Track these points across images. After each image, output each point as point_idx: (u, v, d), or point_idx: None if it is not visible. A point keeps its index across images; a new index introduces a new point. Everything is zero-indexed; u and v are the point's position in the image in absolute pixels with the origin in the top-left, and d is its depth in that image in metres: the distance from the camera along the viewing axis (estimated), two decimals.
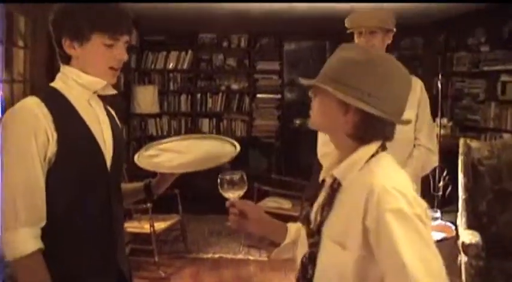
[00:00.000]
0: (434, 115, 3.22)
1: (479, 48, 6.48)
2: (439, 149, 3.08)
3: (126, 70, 6.89)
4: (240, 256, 5.43)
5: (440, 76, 5.44)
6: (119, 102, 6.38)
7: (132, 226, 4.95)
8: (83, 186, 1.82)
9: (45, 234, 1.75)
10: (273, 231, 1.84)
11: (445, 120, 6.57)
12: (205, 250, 5.58)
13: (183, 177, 2.05)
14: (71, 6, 1.82)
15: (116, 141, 1.93)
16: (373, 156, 1.49)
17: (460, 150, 3.93)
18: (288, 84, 8.43)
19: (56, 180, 1.76)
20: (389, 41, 2.92)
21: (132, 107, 7.17)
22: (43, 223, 1.75)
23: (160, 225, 5.05)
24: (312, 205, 1.64)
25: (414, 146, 2.98)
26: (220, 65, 8.22)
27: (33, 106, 1.74)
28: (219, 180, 1.78)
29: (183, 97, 8.13)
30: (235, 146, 2.14)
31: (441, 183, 4.95)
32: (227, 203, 1.78)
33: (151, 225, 4.84)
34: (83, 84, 1.85)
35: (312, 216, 1.60)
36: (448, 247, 4.15)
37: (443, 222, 3.44)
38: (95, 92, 1.90)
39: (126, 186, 2.13)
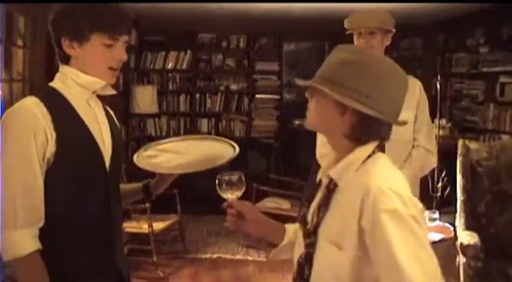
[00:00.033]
0: (433, 116, 3.23)
1: (478, 49, 6.49)
2: (438, 150, 3.09)
3: (125, 70, 6.88)
4: (238, 256, 5.43)
5: (439, 77, 5.44)
6: (117, 102, 6.38)
7: (130, 226, 4.95)
8: (81, 186, 1.82)
9: (44, 234, 1.75)
10: (271, 232, 1.84)
11: (443, 121, 6.58)
12: (203, 250, 5.58)
13: (181, 177, 2.05)
14: (70, 6, 1.81)
15: (114, 141, 1.93)
16: (369, 156, 1.50)
17: (459, 151, 3.94)
18: (287, 84, 8.44)
19: (54, 180, 1.76)
20: (388, 42, 2.92)
21: (131, 106, 7.17)
22: (41, 223, 1.75)
23: (158, 225, 5.04)
24: (309, 206, 1.64)
25: (413, 146, 2.98)
26: (219, 65, 8.22)
27: (32, 106, 1.74)
28: (217, 181, 1.78)
29: (182, 97, 8.13)
30: (234, 147, 2.14)
31: (440, 184, 4.95)
32: (224, 204, 1.78)
33: (150, 225, 4.83)
34: (82, 84, 1.84)
35: (309, 216, 1.60)
36: (446, 248, 4.15)
37: (441, 223, 3.44)
38: (94, 92, 1.90)
39: (124, 186, 2.13)
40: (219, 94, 8.18)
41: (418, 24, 7.17)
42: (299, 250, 1.61)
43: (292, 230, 1.79)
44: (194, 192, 5.74)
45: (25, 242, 1.70)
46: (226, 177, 1.78)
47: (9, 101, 4.00)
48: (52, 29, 1.84)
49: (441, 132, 5.95)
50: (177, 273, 5.00)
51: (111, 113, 2.05)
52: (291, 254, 1.73)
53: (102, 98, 1.97)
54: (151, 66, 8.02)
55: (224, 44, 8.16)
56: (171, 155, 2.15)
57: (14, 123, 1.74)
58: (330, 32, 5.02)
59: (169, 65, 8.02)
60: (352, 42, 2.89)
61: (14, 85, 4.27)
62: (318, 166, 1.64)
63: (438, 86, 5.33)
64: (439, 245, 3.50)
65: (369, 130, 1.48)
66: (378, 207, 1.35)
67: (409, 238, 1.33)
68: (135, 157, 2.11)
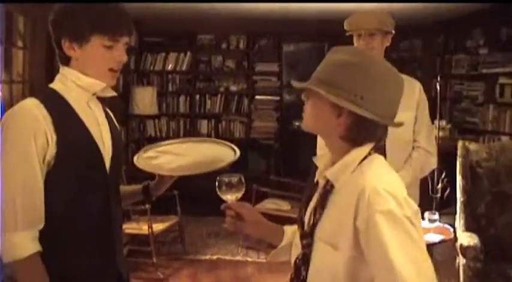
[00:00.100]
0: (432, 117, 3.23)
1: (478, 50, 6.49)
2: (438, 151, 3.09)
3: (125, 71, 6.89)
4: (238, 258, 5.43)
5: (439, 78, 5.45)
6: (117, 103, 6.38)
7: (130, 227, 4.95)
8: (82, 188, 1.82)
9: (45, 236, 1.75)
10: (270, 233, 1.84)
11: (443, 123, 6.58)
12: (203, 251, 5.58)
13: (181, 178, 2.05)
14: (70, 7, 1.81)
15: (114, 143, 1.93)
16: (365, 158, 1.50)
17: (459, 152, 3.94)
18: (287, 85, 8.42)
19: (55, 181, 1.76)
20: (388, 43, 2.92)
21: (130, 108, 7.17)
22: (41, 225, 1.75)
23: (158, 227, 5.04)
24: (306, 207, 1.64)
25: (413, 148, 2.99)
26: (219, 66, 8.21)
27: (32, 107, 1.74)
28: (217, 183, 1.79)
29: (181, 98, 8.13)
30: (234, 150, 2.13)
31: (439, 186, 4.95)
32: (223, 206, 1.79)
33: (150, 227, 4.83)
34: (82, 86, 1.84)
35: (306, 217, 1.61)
36: (446, 249, 4.15)
37: (441, 225, 3.44)
38: (94, 94, 1.89)
39: (124, 188, 2.13)
40: (219, 95, 8.18)
41: (418, 26, 7.17)
42: (296, 251, 1.61)
43: (291, 231, 1.80)
44: (194, 194, 5.73)
45: (25, 244, 1.70)
46: (226, 179, 1.78)
47: (9, 103, 4.00)
48: (52, 30, 1.84)
49: (441, 134, 5.95)
50: (176, 274, 5.00)
51: (111, 114, 2.05)
52: (290, 255, 1.74)
53: (102, 100, 1.97)
54: (151, 68, 8.02)
55: (224, 45, 8.16)
56: (171, 157, 2.15)
57: (14, 125, 1.73)
58: (330, 33, 5.02)
59: (169, 66, 8.02)
60: (351, 43, 2.89)
61: (14, 86, 4.28)
62: (317, 167, 1.65)
63: (438, 87, 5.33)
64: (439, 246, 3.50)
65: (365, 132, 1.49)
66: (373, 208, 1.36)
67: (403, 239, 1.34)
68: (135, 158, 2.11)
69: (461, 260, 3.57)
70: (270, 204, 5.71)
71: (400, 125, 1.53)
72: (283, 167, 7.83)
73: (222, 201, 1.80)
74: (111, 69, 1.85)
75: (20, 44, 4.39)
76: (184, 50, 8.02)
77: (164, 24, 7.41)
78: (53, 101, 1.80)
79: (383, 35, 2.87)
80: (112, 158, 1.90)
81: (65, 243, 1.80)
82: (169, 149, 2.23)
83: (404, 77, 2.94)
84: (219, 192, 1.79)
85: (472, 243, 3.51)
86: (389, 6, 5.16)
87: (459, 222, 3.83)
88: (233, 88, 8.21)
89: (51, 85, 1.87)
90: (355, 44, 2.88)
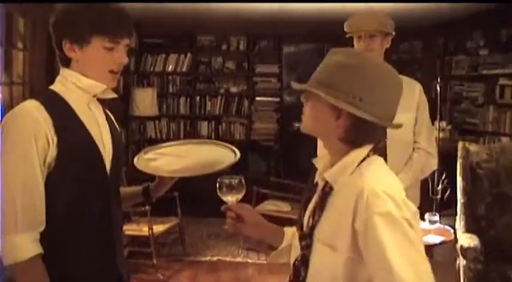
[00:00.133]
0: (433, 118, 3.23)
1: (478, 51, 6.49)
2: (438, 153, 3.09)
3: (125, 73, 6.89)
4: (238, 259, 5.43)
5: (439, 79, 5.45)
6: (117, 105, 6.38)
7: (130, 229, 4.95)
8: (82, 190, 1.81)
9: (45, 237, 1.74)
10: (270, 234, 1.85)
11: (443, 124, 6.58)
12: (203, 253, 5.58)
13: (182, 180, 2.05)
14: (71, 9, 1.81)
15: (115, 144, 1.93)
16: (364, 159, 1.50)
17: (459, 153, 3.94)
18: (287, 87, 8.43)
19: (55, 183, 1.76)
20: (388, 45, 2.92)
21: (131, 109, 7.17)
22: (42, 227, 1.74)
23: (158, 228, 5.04)
24: (305, 208, 1.65)
25: (414, 149, 2.99)
26: (219, 67, 8.22)
27: (33, 109, 1.74)
28: (218, 184, 1.79)
29: (182, 100, 8.13)
30: (235, 152, 2.14)
31: (440, 187, 4.95)
32: (223, 207, 1.79)
33: (150, 228, 4.83)
34: (82, 87, 1.84)
35: (305, 219, 1.61)
36: (446, 250, 4.15)
37: (441, 226, 3.44)
38: (94, 96, 1.89)
39: (124, 189, 2.13)
40: (219, 97, 8.18)
41: (418, 27, 7.17)
42: (296, 252, 1.62)
43: (291, 233, 1.80)
44: (194, 195, 5.73)
45: (26, 246, 1.70)
46: (227, 181, 1.79)
47: (9, 104, 4.00)
48: (53, 32, 1.83)
49: (441, 135, 5.95)
50: (177, 276, 5.00)
51: (111, 116, 2.05)
52: (290, 256, 1.74)
53: (102, 101, 1.97)
54: (152, 69, 8.02)
55: (224, 46, 8.16)
56: (171, 159, 2.16)
57: (14, 127, 1.73)
58: (330, 35, 5.03)
59: (170, 68, 8.03)
60: (352, 45, 2.89)
61: (14, 88, 4.27)
62: (316, 169, 1.65)
63: (438, 89, 5.34)
64: (439, 248, 3.50)
65: (364, 133, 1.49)
66: (371, 210, 1.36)
67: (402, 241, 1.34)
68: (135, 160, 2.12)
69: (461, 261, 3.57)
70: (270, 206, 5.71)
71: (399, 126, 1.53)
72: (283, 169, 7.83)
73: (222, 202, 1.80)
74: (111, 71, 1.85)
75: (20, 45, 4.39)
76: (184, 51, 8.03)
77: (164, 25, 7.42)
78: (54, 102, 1.80)
79: (383, 37, 2.87)
80: (112, 160, 1.90)
81: (65, 244, 1.80)
82: (169, 150, 2.24)
83: (405, 78, 2.95)
84: (219, 194, 1.79)
85: (472, 245, 3.51)
86: (389, 7, 5.16)
87: (459, 223, 3.83)
88: (233, 89, 8.21)
89: (52, 87, 1.87)
90: (355, 46, 2.88)
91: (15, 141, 1.72)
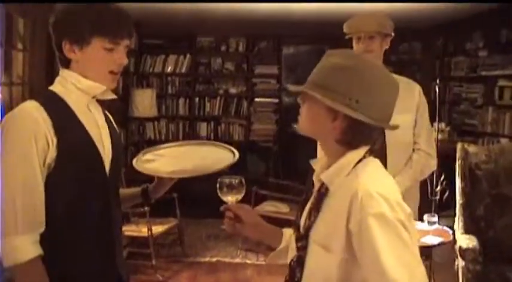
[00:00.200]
0: (432, 120, 3.23)
1: (477, 53, 6.50)
2: (437, 154, 3.09)
3: (124, 73, 6.89)
4: (237, 260, 5.42)
5: (438, 81, 5.45)
6: (117, 106, 6.38)
7: (129, 229, 4.94)
8: (82, 191, 1.81)
9: (45, 238, 1.74)
10: (268, 235, 1.85)
11: (442, 125, 6.58)
12: (202, 254, 5.58)
13: (181, 181, 2.05)
14: (71, 9, 1.81)
15: (114, 146, 1.93)
16: (360, 161, 1.50)
17: (458, 154, 3.94)
18: (286, 88, 8.43)
19: (55, 184, 1.76)
20: (387, 46, 2.93)
21: (130, 110, 7.16)
22: (42, 229, 1.74)
23: (157, 229, 5.04)
24: (302, 209, 1.65)
25: (413, 150, 2.99)
26: (219, 68, 8.22)
27: (32, 110, 1.74)
28: (218, 184, 1.80)
29: (181, 101, 8.13)
30: (233, 153, 2.14)
31: (439, 188, 4.94)
32: (222, 207, 1.80)
33: (149, 229, 4.84)
34: (82, 88, 1.84)
35: (302, 220, 1.61)
36: (445, 251, 4.15)
37: (440, 227, 3.43)
38: (94, 97, 1.89)
39: (123, 191, 2.13)
40: (218, 98, 8.18)
41: (417, 28, 7.18)
42: (292, 253, 1.62)
43: (290, 234, 1.80)
44: (193, 196, 5.74)
45: (26, 247, 1.70)
46: (227, 181, 1.79)
47: (9, 105, 4.00)
48: (53, 32, 1.83)
49: (440, 136, 5.94)
50: (176, 277, 5.00)
51: (111, 117, 2.05)
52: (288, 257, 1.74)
53: (102, 102, 1.97)
54: (151, 70, 8.02)
55: (223, 47, 8.17)
56: (169, 160, 2.16)
57: (14, 127, 1.73)
58: (330, 36, 5.03)
59: (169, 69, 8.03)
60: (351, 46, 2.89)
61: (14, 88, 4.27)
62: (314, 170, 1.65)
63: (437, 90, 5.33)
64: (438, 249, 3.50)
65: (360, 135, 1.49)
66: (366, 211, 1.36)
67: (396, 243, 1.34)
68: (134, 161, 2.12)
69: (460, 262, 3.57)
70: (269, 207, 5.71)
71: (395, 127, 1.53)
72: (282, 170, 7.83)
73: (221, 203, 1.80)
74: (111, 72, 1.85)
75: (19, 46, 4.39)
76: (183, 52, 8.04)
77: (164, 26, 7.42)
78: (53, 103, 1.80)
79: (382, 38, 2.88)
80: (112, 161, 1.90)
81: (65, 245, 1.80)
82: (168, 152, 2.24)
83: (404, 79, 2.96)
84: (219, 194, 1.80)
85: (471, 246, 3.51)
86: (389, 8, 5.16)
87: (458, 224, 3.83)
88: (232, 90, 8.22)
89: (51, 87, 1.87)
90: (355, 47, 2.88)
91: (15, 141, 1.72)
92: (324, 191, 1.53)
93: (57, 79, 1.88)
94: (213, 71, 8.22)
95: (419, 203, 3.17)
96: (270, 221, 1.85)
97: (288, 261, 1.66)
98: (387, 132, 2.76)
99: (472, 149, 3.98)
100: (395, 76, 2.58)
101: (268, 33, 8.03)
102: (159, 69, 8.01)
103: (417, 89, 3.00)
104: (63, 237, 1.80)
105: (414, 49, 7.98)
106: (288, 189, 6.04)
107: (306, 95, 1.53)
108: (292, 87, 1.59)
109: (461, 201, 3.86)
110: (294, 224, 1.66)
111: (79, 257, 1.83)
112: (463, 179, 3.88)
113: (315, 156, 2.91)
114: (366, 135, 1.50)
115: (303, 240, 1.55)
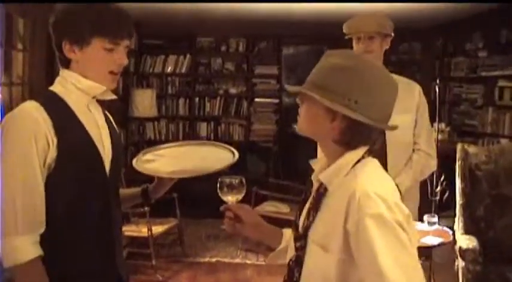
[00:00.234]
0: (432, 120, 3.23)
1: (477, 53, 6.50)
2: (437, 154, 3.10)
3: (124, 74, 6.89)
4: (237, 260, 5.42)
5: (438, 81, 5.45)
6: (117, 106, 6.38)
7: (129, 230, 4.94)
8: (82, 191, 1.81)
9: (45, 238, 1.74)
10: (268, 235, 1.85)
11: (442, 125, 6.58)
12: (202, 254, 5.58)
13: (181, 181, 2.05)
14: (71, 9, 1.81)
15: (114, 146, 1.93)
16: (359, 161, 1.50)
17: (458, 155, 3.94)
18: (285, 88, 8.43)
19: (55, 184, 1.75)
20: (387, 46, 2.93)
21: (130, 110, 7.16)
22: (42, 229, 1.74)
23: (157, 229, 5.05)
24: (301, 209, 1.65)
25: (413, 150, 2.99)
26: (219, 69, 8.22)
27: (32, 110, 1.73)
28: (218, 184, 1.80)
29: (181, 101, 8.13)
30: (233, 153, 2.14)
31: (439, 188, 4.94)
32: (222, 207, 1.80)
33: (149, 229, 4.84)
34: (82, 88, 1.84)
35: (300, 220, 1.61)
36: (445, 252, 4.15)
37: (440, 227, 3.43)
38: (94, 97, 1.89)
39: (123, 191, 2.13)
40: (218, 98, 8.18)
41: (417, 28, 7.18)
42: (292, 253, 1.62)
43: (289, 234, 1.79)
44: (193, 196, 5.74)
45: (26, 248, 1.69)
46: (228, 181, 1.79)
47: (9, 105, 4.00)
48: (53, 32, 1.83)
49: (440, 136, 5.94)
50: (176, 277, 5.00)
51: (110, 117, 2.04)
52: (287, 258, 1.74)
53: (102, 102, 1.97)
54: (151, 70, 8.02)
55: (223, 47, 8.17)
56: (169, 160, 2.16)
57: (14, 127, 1.73)
58: (329, 36, 5.03)
59: (169, 69, 8.03)
60: (351, 46, 2.89)
61: (14, 89, 4.27)
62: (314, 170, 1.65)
63: (437, 90, 5.34)
64: (438, 249, 3.50)
65: (359, 135, 1.49)
66: (363, 211, 1.36)
67: (393, 244, 1.33)
68: (134, 161, 2.11)
69: (460, 263, 3.57)
70: (269, 207, 5.71)
71: (394, 128, 1.53)
72: (282, 170, 7.83)
73: (221, 203, 1.80)
74: (111, 72, 1.84)
75: (19, 46, 4.39)
76: (183, 52, 8.04)
77: (164, 26, 7.42)
78: (53, 103, 1.80)
79: (382, 38, 2.88)
80: (112, 161, 1.90)
81: (64, 245, 1.80)
82: (168, 152, 2.24)
83: (404, 79, 2.96)
84: (220, 194, 1.79)
85: (471, 246, 3.51)
86: (389, 8, 5.16)
87: (458, 225, 3.83)
88: (232, 91, 8.22)
89: (51, 88, 1.87)
90: (355, 47, 2.89)
91: (15, 142, 1.72)
92: (322, 191, 1.53)
93: (57, 79, 1.87)
94: (213, 71, 8.22)
95: (420, 204, 3.16)
96: (270, 221, 1.85)
97: (287, 261, 1.66)
98: (387, 133, 2.76)
99: (472, 149, 3.99)
100: (395, 76, 2.58)
101: (268, 34, 8.03)
102: (159, 69, 8.01)
103: (417, 89, 3.00)
104: (63, 236, 1.79)
105: (414, 49, 7.98)
106: (288, 189, 6.04)
107: (304, 96, 1.53)
108: (290, 88, 1.59)
109: (461, 202, 3.86)
110: (293, 224, 1.66)
111: (79, 257, 1.83)
112: (463, 180, 3.88)
113: (315, 156, 2.91)
114: (364, 136, 1.50)
115: (301, 240, 1.55)
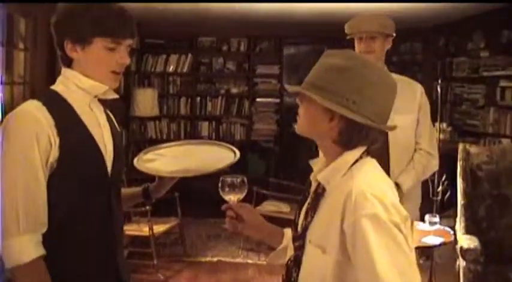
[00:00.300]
0: (433, 120, 3.24)
1: (479, 53, 6.49)
2: (438, 154, 3.09)
3: (126, 73, 6.89)
4: (238, 260, 5.42)
5: (439, 81, 5.45)
6: (118, 105, 6.37)
7: (131, 229, 4.95)
8: (83, 191, 1.81)
9: (46, 238, 1.74)
10: (269, 235, 1.85)
11: (444, 125, 6.58)
12: (203, 253, 5.58)
13: (182, 180, 2.05)
14: (73, 9, 1.80)
15: (115, 145, 1.92)
16: (357, 161, 1.50)
17: (459, 155, 3.94)
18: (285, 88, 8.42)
19: (57, 185, 1.75)
20: (389, 46, 2.93)
21: (131, 109, 7.17)
22: (44, 229, 1.73)
23: (159, 228, 5.05)
24: (300, 209, 1.65)
25: (415, 150, 2.99)
26: (220, 68, 8.23)
27: (34, 110, 1.73)
28: (220, 183, 1.79)
29: (182, 100, 8.15)
30: (235, 152, 2.13)
31: (440, 188, 4.95)
32: (223, 206, 1.80)
33: (150, 228, 4.84)
34: (84, 88, 1.83)
35: (299, 220, 1.61)
36: (446, 252, 4.15)
37: (441, 227, 3.43)
38: (95, 96, 1.89)
39: (124, 190, 2.12)
40: (220, 97, 8.20)
41: (418, 28, 7.18)
42: (291, 253, 1.62)
43: (290, 233, 1.80)
44: (194, 196, 5.75)
45: (28, 248, 1.69)
46: (229, 180, 1.79)
47: (10, 104, 4.01)
48: (55, 32, 1.83)
49: (441, 136, 5.95)
50: (177, 276, 5.00)
51: (112, 117, 2.04)
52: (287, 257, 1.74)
53: (103, 102, 1.96)
54: (152, 69, 8.03)
55: (225, 47, 8.18)
56: (171, 159, 2.16)
57: (16, 127, 1.72)
58: (331, 36, 5.03)
59: (170, 68, 8.04)
60: (352, 46, 2.89)
61: (15, 88, 4.28)
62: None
63: (439, 90, 5.34)
64: (439, 249, 3.50)
65: (357, 136, 1.48)
66: (359, 212, 1.35)
67: (389, 244, 1.33)
68: (135, 161, 2.11)
69: (461, 263, 3.57)
70: (269, 206, 5.70)
71: (393, 128, 1.53)
72: (283, 169, 7.83)
73: (223, 203, 1.80)
74: (113, 72, 1.84)
75: (21, 45, 4.40)
76: (185, 52, 8.05)
77: (165, 26, 7.42)
78: (55, 103, 1.79)
79: (384, 38, 2.88)
80: (113, 160, 1.90)
81: (66, 244, 1.80)
82: (169, 151, 2.24)
83: (406, 79, 2.96)
84: (221, 193, 1.79)
85: (472, 246, 3.51)
86: (390, 8, 5.16)
87: (459, 224, 3.83)
88: (234, 90, 8.23)
89: (53, 87, 1.86)
90: (356, 47, 2.89)
91: (17, 141, 1.71)
92: (320, 191, 1.53)
93: (59, 78, 1.87)
94: (215, 70, 8.23)
95: (421, 203, 3.17)
96: (271, 221, 1.85)
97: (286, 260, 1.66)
98: (389, 133, 2.76)
99: (473, 149, 3.99)
100: (397, 76, 2.59)
101: (270, 33, 8.04)
102: (161, 68, 8.02)
103: (419, 89, 3.00)
104: (64, 236, 1.79)
105: (415, 49, 7.97)
106: (288, 189, 6.04)
107: (303, 96, 1.53)
108: (289, 88, 1.59)
109: (462, 202, 3.86)
110: (292, 224, 1.66)
111: (80, 256, 1.82)
112: (464, 180, 3.88)
113: (315, 156, 2.92)
114: (362, 136, 1.49)
115: (300, 240, 1.55)
